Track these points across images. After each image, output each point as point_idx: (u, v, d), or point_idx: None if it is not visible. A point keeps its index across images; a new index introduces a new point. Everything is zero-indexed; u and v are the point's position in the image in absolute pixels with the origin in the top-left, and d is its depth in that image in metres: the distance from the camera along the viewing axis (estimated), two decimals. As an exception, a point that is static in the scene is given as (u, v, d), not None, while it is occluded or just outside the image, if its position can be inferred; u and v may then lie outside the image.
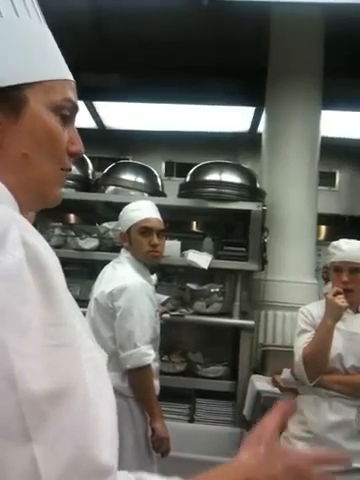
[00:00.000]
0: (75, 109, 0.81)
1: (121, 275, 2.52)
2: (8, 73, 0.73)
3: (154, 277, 2.86)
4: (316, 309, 2.59)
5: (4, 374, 0.54)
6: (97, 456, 0.58)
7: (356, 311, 2.55)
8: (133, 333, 2.38)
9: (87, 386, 0.60)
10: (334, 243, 2.58)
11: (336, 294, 2.43)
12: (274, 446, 0.81)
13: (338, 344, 2.48)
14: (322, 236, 6.02)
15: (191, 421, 3.73)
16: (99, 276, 2.66)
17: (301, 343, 2.51)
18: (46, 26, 0.81)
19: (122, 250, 2.65)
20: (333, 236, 5.88)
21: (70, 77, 0.81)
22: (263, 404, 3.11)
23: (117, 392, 2.35)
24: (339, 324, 2.49)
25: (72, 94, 0.80)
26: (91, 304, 2.56)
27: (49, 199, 0.81)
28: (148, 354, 2.40)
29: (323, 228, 6.10)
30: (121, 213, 2.67)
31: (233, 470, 0.80)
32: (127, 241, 2.60)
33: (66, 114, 0.79)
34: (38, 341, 0.57)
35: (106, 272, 2.64)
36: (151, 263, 2.63)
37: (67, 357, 0.59)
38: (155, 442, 2.47)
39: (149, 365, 2.41)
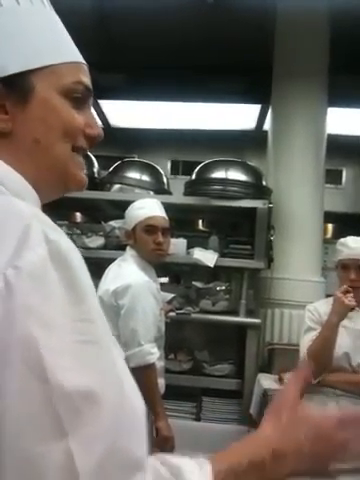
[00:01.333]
0: (88, 92, 0.79)
1: (125, 273, 2.50)
2: (10, 61, 0.72)
3: (165, 279, 2.84)
4: (323, 307, 2.58)
5: (36, 371, 0.54)
6: (131, 451, 0.58)
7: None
8: (137, 331, 2.37)
9: (122, 381, 0.60)
10: (341, 240, 2.59)
11: (345, 292, 2.41)
12: (296, 413, 0.78)
13: (345, 342, 2.47)
14: (329, 234, 6.00)
15: (197, 419, 3.73)
16: (105, 274, 2.65)
17: (307, 341, 2.51)
18: (52, 9, 0.79)
19: (127, 248, 2.64)
20: (339, 234, 5.88)
21: (80, 59, 0.80)
22: (269, 402, 3.09)
23: None
24: (346, 322, 2.48)
25: (83, 76, 0.78)
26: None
27: (71, 181, 0.79)
28: (152, 353, 2.38)
29: (329, 226, 6.08)
30: (127, 211, 2.65)
31: (256, 443, 0.77)
32: (132, 239, 2.58)
33: (78, 96, 0.77)
34: (67, 338, 0.56)
35: (111, 270, 2.63)
36: (156, 261, 2.61)
37: (98, 353, 0.59)
38: (159, 441, 2.45)
39: (153, 364, 2.39)
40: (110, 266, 2.68)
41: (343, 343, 2.47)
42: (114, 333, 2.40)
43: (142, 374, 2.34)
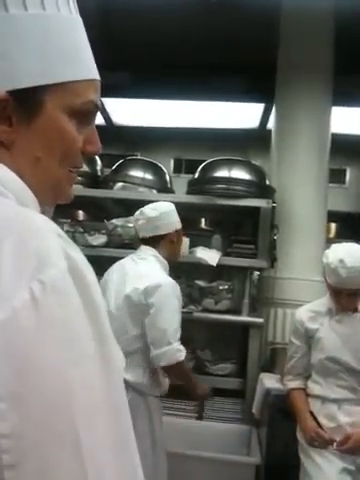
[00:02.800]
0: (96, 109, 0.78)
1: (152, 272, 2.55)
2: (25, 73, 0.70)
3: None
4: (313, 311, 2.60)
5: (59, 388, 0.55)
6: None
7: (355, 310, 2.53)
8: (167, 330, 2.42)
9: (117, 404, 0.61)
10: (333, 266, 2.36)
11: (313, 440, 2.44)
12: None
13: (334, 345, 2.48)
14: (332, 233, 5.98)
15: (200, 418, 3.72)
16: (117, 271, 2.66)
17: (290, 352, 2.67)
18: (78, 15, 0.76)
19: (145, 248, 2.68)
20: (343, 233, 5.87)
21: (95, 76, 0.78)
22: (272, 402, 3.09)
23: (135, 389, 2.42)
24: (336, 325, 2.49)
25: (94, 95, 0.77)
26: (113, 300, 2.56)
27: (60, 198, 0.81)
28: (181, 350, 2.46)
29: (333, 225, 6.06)
30: (167, 211, 2.71)
31: None
32: (175, 239, 2.70)
33: (85, 115, 0.76)
34: (85, 353, 0.58)
35: (129, 268, 2.64)
36: (174, 262, 2.74)
37: (104, 371, 0.60)
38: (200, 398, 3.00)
39: (182, 361, 2.47)
40: (123, 263, 2.71)
41: (331, 346, 2.48)
42: (136, 332, 2.47)
43: (174, 370, 2.47)
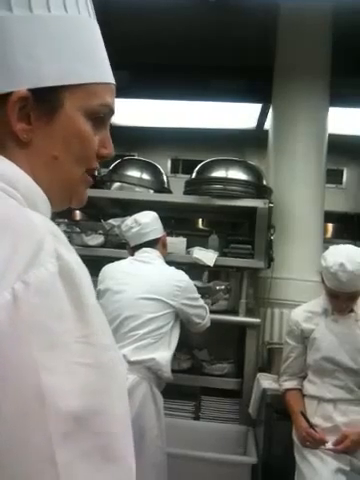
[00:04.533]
0: (111, 113, 0.79)
1: (173, 271, 2.93)
2: (48, 73, 0.71)
3: None
4: (308, 311, 2.60)
5: (32, 391, 0.53)
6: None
7: (350, 310, 2.53)
8: (203, 306, 3.04)
9: (114, 408, 0.59)
10: (332, 270, 2.35)
11: (305, 440, 2.45)
12: None
13: (329, 346, 2.48)
14: (329, 234, 5.99)
15: (196, 418, 3.72)
16: (131, 274, 2.88)
17: (285, 353, 2.69)
18: (95, 19, 0.79)
19: (149, 249, 2.92)
20: (340, 234, 5.87)
21: (112, 80, 0.79)
22: (269, 402, 3.10)
23: (143, 384, 2.55)
24: (332, 325, 2.50)
25: (110, 98, 0.78)
26: (126, 302, 2.79)
27: (74, 201, 0.81)
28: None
29: (330, 226, 6.07)
30: (155, 216, 3.00)
31: None
32: (163, 242, 3.03)
33: (100, 117, 0.77)
34: (68, 358, 0.56)
35: (143, 269, 2.88)
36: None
37: (96, 378, 0.58)
38: None
39: None
40: (131, 264, 2.94)
41: (327, 346, 2.48)
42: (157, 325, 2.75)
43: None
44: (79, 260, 0.62)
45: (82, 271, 0.61)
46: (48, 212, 0.74)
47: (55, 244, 0.59)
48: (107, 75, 0.79)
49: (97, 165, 0.81)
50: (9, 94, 0.69)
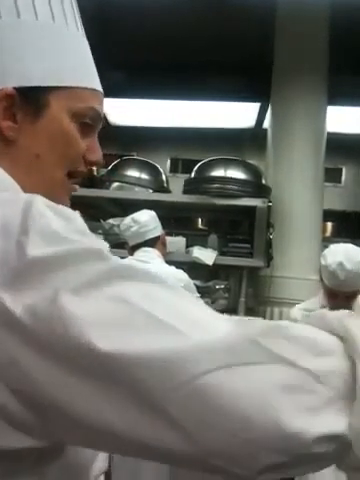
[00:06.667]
0: (99, 119, 0.80)
1: (174, 271, 2.89)
2: (35, 73, 0.73)
3: None
4: (306, 310, 2.60)
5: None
6: None
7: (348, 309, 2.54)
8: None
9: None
10: (331, 268, 2.34)
11: None
12: None
13: None
14: (328, 232, 6.00)
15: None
16: None
17: None
18: (84, 35, 0.81)
19: (149, 249, 2.92)
20: (339, 232, 5.88)
21: (99, 88, 0.81)
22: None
23: None
24: None
25: (98, 105, 0.79)
26: None
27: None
28: None
29: (329, 224, 6.07)
30: (153, 215, 2.99)
31: None
32: (165, 241, 3.04)
33: (87, 122, 0.78)
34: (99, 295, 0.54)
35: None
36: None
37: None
38: None
39: None
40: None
41: None
42: None
43: None
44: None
45: (76, 214, 0.62)
46: None
47: (41, 198, 0.59)
48: (94, 82, 0.80)
49: (83, 168, 0.81)
50: None
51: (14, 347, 0.52)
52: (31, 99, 0.73)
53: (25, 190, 0.73)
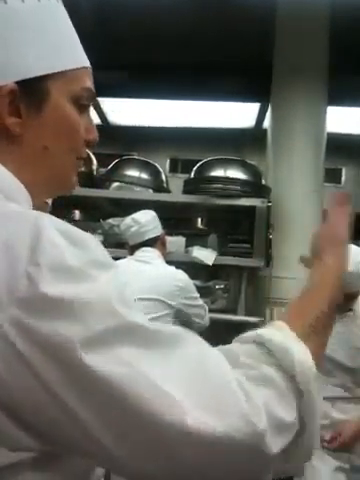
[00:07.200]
0: (92, 97, 0.79)
1: (174, 270, 2.92)
2: (33, 63, 0.70)
3: None
4: None
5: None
6: None
7: (349, 310, 2.54)
8: (203, 306, 3.02)
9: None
10: None
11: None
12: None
13: (327, 344, 2.48)
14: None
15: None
16: (131, 274, 2.81)
17: None
18: (62, 4, 0.77)
19: (149, 249, 2.92)
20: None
21: (87, 64, 0.79)
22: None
23: None
24: None
25: (89, 81, 0.78)
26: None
27: (66, 187, 0.81)
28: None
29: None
30: (153, 214, 2.99)
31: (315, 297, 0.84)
32: (165, 240, 3.04)
33: (84, 103, 0.77)
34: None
35: (143, 269, 2.86)
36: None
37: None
38: None
39: None
40: (123, 263, 2.90)
41: None
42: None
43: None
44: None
45: (87, 234, 0.62)
46: (29, 205, 0.73)
47: (50, 220, 0.59)
48: (84, 59, 0.79)
49: (85, 152, 0.81)
50: None
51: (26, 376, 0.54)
52: (32, 91, 0.71)
53: (35, 186, 0.73)
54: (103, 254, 0.61)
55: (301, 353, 0.67)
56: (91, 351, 0.54)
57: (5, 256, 0.55)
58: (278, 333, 0.70)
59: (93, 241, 0.61)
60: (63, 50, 0.74)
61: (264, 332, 0.71)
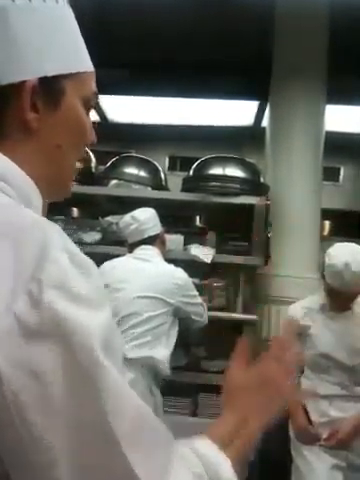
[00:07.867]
0: (96, 100, 0.82)
1: (173, 268, 2.93)
2: (51, 62, 0.72)
3: None
4: (305, 307, 2.60)
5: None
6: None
7: (348, 308, 2.54)
8: (202, 304, 3.04)
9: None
10: (336, 269, 2.33)
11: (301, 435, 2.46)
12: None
13: (327, 342, 2.48)
14: (326, 231, 6.01)
15: (194, 415, 3.73)
16: (130, 271, 2.88)
17: None
18: (70, 8, 0.79)
19: (148, 246, 2.94)
20: (337, 231, 5.89)
21: (93, 68, 0.81)
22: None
23: (142, 381, 2.64)
24: (329, 322, 2.50)
25: (94, 86, 0.81)
26: (125, 300, 2.79)
27: (64, 192, 0.82)
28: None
29: (327, 223, 6.08)
30: (153, 212, 3.00)
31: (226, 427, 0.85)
32: (164, 238, 3.08)
33: (90, 106, 0.80)
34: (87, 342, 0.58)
35: (142, 267, 2.88)
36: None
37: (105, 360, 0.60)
38: None
39: None
40: (122, 261, 2.95)
41: (324, 343, 2.49)
42: (158, 323, 2.79)
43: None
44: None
45: (90, 261, 0.63)
46: (40, 205, 0.75)
47: (59, 236, 0.60)
48: (90, 63, 0.81)
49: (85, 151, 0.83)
50: (16, 84, 0.70)
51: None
52: (50, 88, 0.72)
53: (43, 181, 0.74)
54: (102, 286, 0.63)
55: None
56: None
57: (11, 267, 0.56)
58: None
59: (96, 270, 0.63)
60: (78, 52, 0.77)
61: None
